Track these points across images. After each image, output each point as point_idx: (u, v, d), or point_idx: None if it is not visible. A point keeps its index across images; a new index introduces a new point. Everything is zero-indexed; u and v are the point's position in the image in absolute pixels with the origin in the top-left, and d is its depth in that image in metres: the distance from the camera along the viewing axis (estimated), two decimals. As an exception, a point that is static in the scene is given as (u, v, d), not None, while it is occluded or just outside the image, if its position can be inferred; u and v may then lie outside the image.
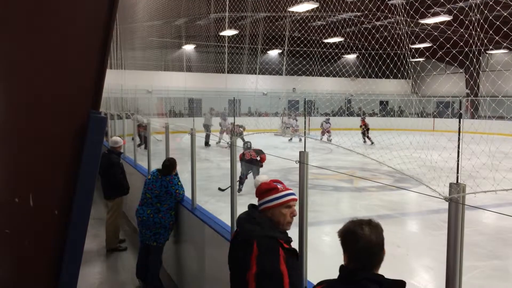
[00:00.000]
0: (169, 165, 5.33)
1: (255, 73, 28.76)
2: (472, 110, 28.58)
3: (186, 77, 28.12)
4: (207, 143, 19.24)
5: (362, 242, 1.83)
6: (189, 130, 5.20)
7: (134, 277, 5.48)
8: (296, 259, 2.38)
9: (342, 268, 1.91)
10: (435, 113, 30.30)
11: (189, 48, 29.45)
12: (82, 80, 3.08)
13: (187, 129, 5.40)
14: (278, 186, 2.50)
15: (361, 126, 22.51)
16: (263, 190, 2.49)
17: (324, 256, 6.18)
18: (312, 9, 17.84)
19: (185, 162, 8.36)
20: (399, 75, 30.10)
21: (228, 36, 24.25)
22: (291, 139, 23.21)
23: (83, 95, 3.08)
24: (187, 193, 5.30)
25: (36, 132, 2.97)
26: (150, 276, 5.20)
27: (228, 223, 3.97)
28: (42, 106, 2.95)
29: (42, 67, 2.91)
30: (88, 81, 3.07)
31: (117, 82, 16.03)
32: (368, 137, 21.77)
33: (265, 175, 2.62)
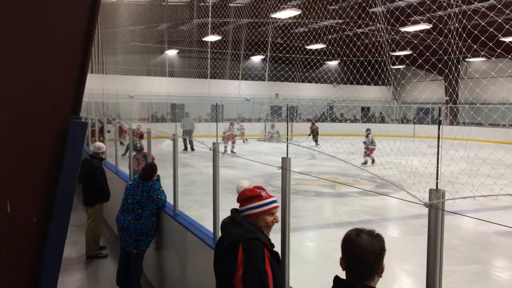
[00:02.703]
0: (150, 169, 5.28)
1: (238, 79, 28.81)
2: (451, 117, 29.09)
3: (169, 82, 28.00)
4: (192, 148, 19.04)
5: (359, 250, 1.82)
6: (171, 135, 5.17)
7: (115, 285, 5.40)
8: (278, 262, 2.39)
9: (336, 280, 1.90)
10: (415, 120, 30.75)
11: (171, 53, 29.35)
12: (62, 85, 3.04)
13: (169, 135, 5.37)
14: (262, 194, 2.50)
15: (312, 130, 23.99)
16: (246, 197, 2.48)
17: (306, 262, 6.19)
18: (295, 16, 17.98)
19: (166, 167, 8.30)
20: (380, 82, 30.51)
21: (211, 42, 24.25)
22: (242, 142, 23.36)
23: (63, 99, 3.04)
24: (169, 199, 5.26)
25: (15, 137, 2.92)
26: (131, 284, 5.13)
27: (211, 229, 3.95)
28: (21, 110, 2.91)
29: (21, 71, 2.86)
30: (68, 86, 3.03)
31: (98, 86, 15.87)
32: (315, 140, 23.08)
33: (246, 180, 2.58)
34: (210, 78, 27.36)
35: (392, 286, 5.49)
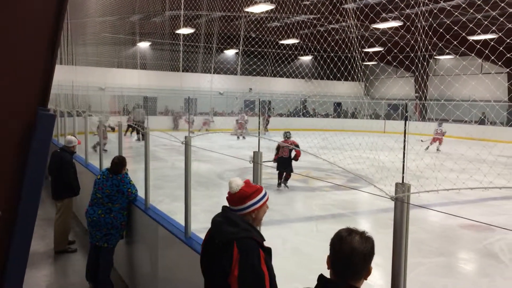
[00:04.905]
0: (118, 163, 5.22)
1: (210, 72, 28.64)
2: (416, 112, 29.76)
3: (141, 74, 27.59)
4: (139, 139, 20.35)
5: (348, 249, 1.78)
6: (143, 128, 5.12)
7: (84, 280, 5.34)
8: (270, 258, 2.37)
9: (320, 278, 1.87)
10: (383, 115, 31.39)
11: (144, 45, 28.91)
12: (29, 75, 2.97)
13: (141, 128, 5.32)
14: (259, 186, 2.49)
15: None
16: (248, 194, 2.41)
17: (279, 257, 6.24)
18: (268, 11, 17.96)
19: (138, 161, 8.19)
20: (350, 78, 30.92)
21: (184, 35, 23.98)
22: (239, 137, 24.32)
23: (30, 91, 2.97)
24: (141, 193, 5.22)
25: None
26: (101, 279, 5.08)
27: (183, 223, 3.94)
28: (-15, 102, 2.83)
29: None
30: (35, 77, 2.97)
31: (67, 78, 15.50)
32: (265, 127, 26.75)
33: (238, 178, 2.50)
34: (183, 71, 27.07)
35: (360, 278, 5.60)
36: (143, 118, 21.95)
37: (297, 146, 10.06)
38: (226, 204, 2.48)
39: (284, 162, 10.66)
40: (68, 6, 3.05)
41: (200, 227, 3.72)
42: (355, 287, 1.80)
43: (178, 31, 22.56)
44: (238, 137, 22.68)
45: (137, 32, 24.23)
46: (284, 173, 10.81)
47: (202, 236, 2.61)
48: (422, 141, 18.60)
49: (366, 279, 1.85)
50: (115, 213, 5.04)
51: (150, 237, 4.66)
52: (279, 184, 10.84)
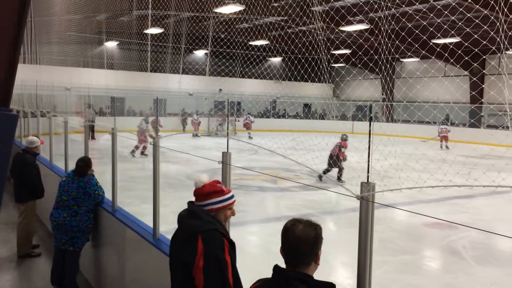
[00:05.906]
0: (83, 165, 5.11)
1: (179, 73, 28.41)
2: (381, 114, 30.47)
3: (108, 74, 27.05)
4: (93, 137, 20.56)
5: (294, 239, 1.87)
6: (110, 129, 5.05)
7: (49, 284, 5.21)
8: (234, 251, 2.41)
9: (274, 268, 1.94)
10: (349, 116, 31.98)
11: (111, 45, 28.39)
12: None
13: (108, 129, 5.24)
14: (223, 189, 2.52)
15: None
16: (208, 192, 2.46)
17: (249, 257, 6.25)
18: (237, 12, 17.98)
19: (105, 163, 8.06)
20: (317, 79, 31.28)
21: (152, 35, 23.70)
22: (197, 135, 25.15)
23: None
24: (108, 194, 5.14)
25: None
26: (67, 283, 4.96)
27: (151, 224, 3.91)
28: None
29: None
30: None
31: (32, 77, 15.07)
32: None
33: (205, 174, 2.57)
34: (151, 71, 26.75)
35: (329, 277, 5.66)
36: (93, 118, 22.37)
37: (342, 147, 11.76)
38: None
39: (332, 159, 11.80)
40: (32, 3, 2.99)
41: (169, 228, 3.70)
42: (305, 274, 1.87)
43: (146, 31, 22.28)
44: (249, 137, 23.82)
45: (103, 31, 23.79)
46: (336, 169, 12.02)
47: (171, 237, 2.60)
48: (423, 141, 19.53)
49: (318, 263, 1.92)
50: (81, 216, 4.94)
51: (117, 239, 4.59)
52: (320, 176, 11.85)
